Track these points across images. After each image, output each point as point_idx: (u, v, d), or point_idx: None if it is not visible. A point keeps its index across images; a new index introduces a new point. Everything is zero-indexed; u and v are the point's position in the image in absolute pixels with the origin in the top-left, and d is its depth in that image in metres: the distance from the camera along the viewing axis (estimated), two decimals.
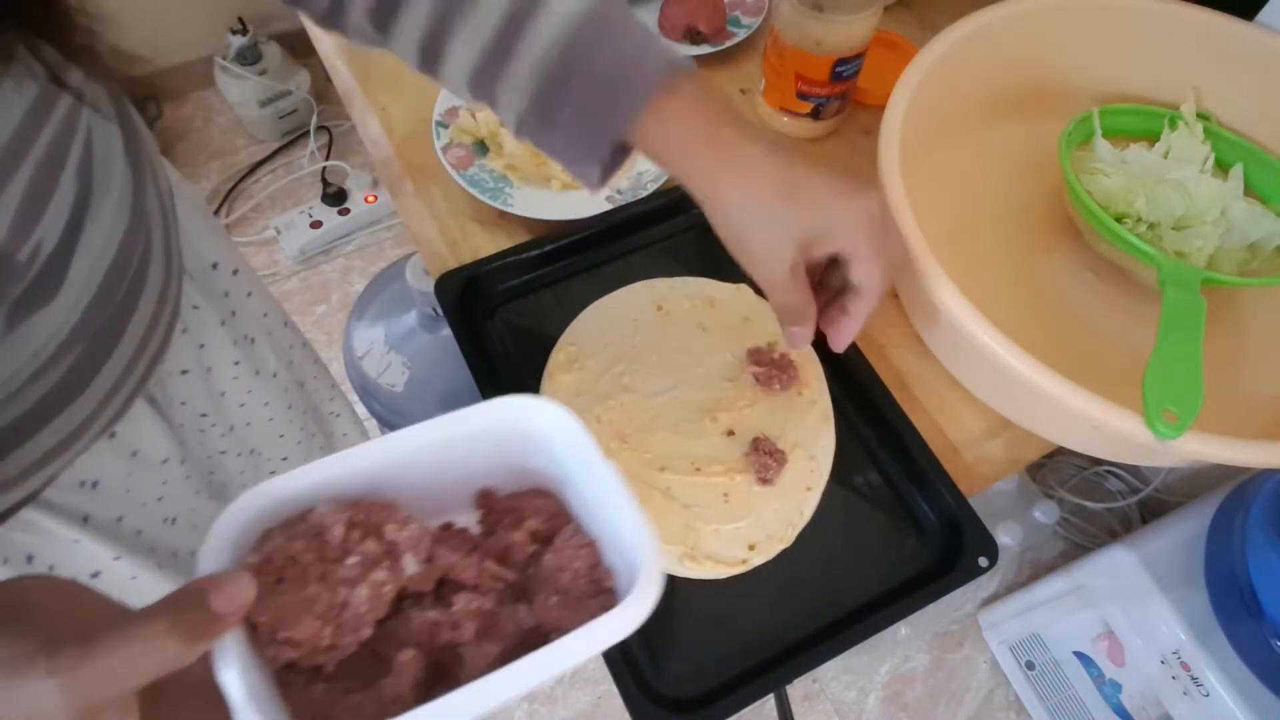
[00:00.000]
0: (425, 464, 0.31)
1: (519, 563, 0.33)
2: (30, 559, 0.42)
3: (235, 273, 0.57)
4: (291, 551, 0.28)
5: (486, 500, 0.34)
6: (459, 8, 0.38)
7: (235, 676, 0.25)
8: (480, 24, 0.38)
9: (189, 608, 0.24)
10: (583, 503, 0.33)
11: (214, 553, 0.27)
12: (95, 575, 0.46)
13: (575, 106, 0.38)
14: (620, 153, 0.40)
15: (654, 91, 0.37)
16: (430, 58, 0.40)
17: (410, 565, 0.29)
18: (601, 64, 0.37)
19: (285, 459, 0.66)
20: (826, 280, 0.45)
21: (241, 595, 0.25)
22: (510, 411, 0.31)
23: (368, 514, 0.29)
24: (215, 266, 0.55)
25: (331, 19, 0.41)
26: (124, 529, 0.48)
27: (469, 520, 0.34)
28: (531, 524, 0.33)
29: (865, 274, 0.41)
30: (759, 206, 0.38)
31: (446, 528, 0.33)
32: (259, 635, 0.27)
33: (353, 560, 0.28)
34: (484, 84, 0.39)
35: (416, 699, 0.28)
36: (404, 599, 0.30)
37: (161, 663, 0.22)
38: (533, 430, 0.32)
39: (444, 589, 0.31)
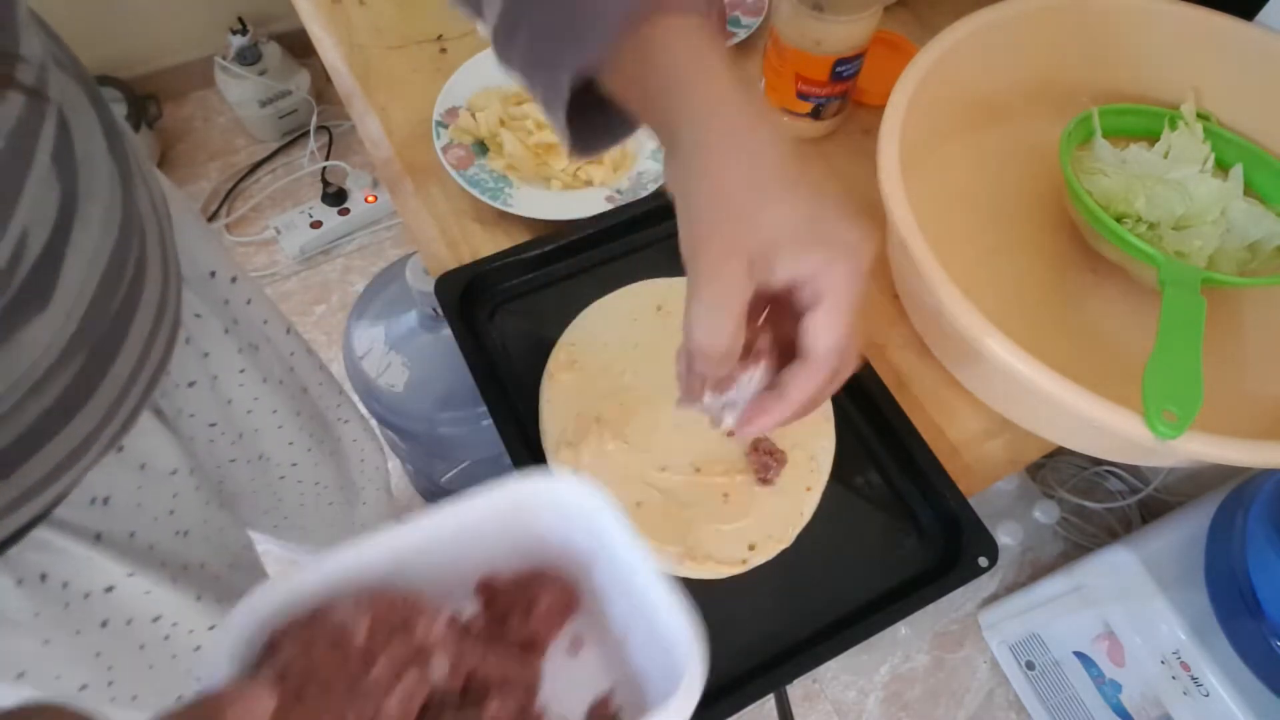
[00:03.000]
0: (437, 551, 0.28)
1: (538, 657, 0.30)
2: (44, 577, 0.42)
3: (234, 280, 0.57)
4: (312, 660, 0.25)
5: (489, 588, 0.31)
6: None
7: None
8: None
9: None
10: (608, 585, 0.30)
11: (222, 659, 0.24)
12: (109, 590, 0.46)
13: (533, 29, 0.33)
14: (598, 107, 0.34)
15: (617, 26, 0.30)
16: None
17: (440, 666, 0.26)
18: None
19: (294, 464, 0.66)
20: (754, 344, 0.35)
21: (260, 709, 0.23)
22: (537, 491, 0.28)
23: (390, 610, 0.26)
24: (213, 274, 0.55)
25: None
26: (136, 544, 0.47)
27: (471, 609, 0.31)
28: (545, 606, 0.30)
29: (825, 327, 0.31)
30: (756, 172, 0.30)
31: (454, 619, 0.30)
32: None
33: (381, 666, 0.25)
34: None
35: None
36: (427, 704, 0.27)
37: None
38: (559, 509, 0.29)
39: (468, 690, 0.28)
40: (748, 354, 0.33)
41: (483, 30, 0.37)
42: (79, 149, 0.35)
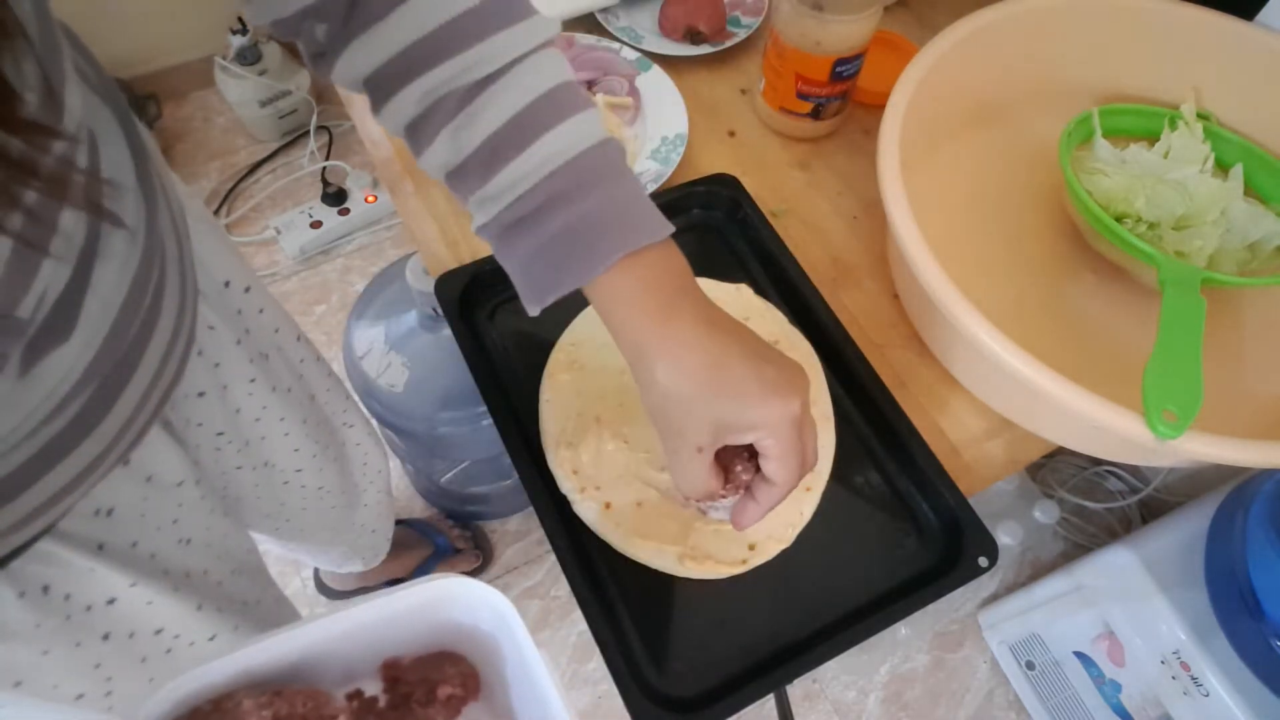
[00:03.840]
0: (345, 642, 0.30)
1: None
2: (46, 590, 0.42)
3: (247, 290, 0.57)
4: None
5: (393, 670, 0.32)
6: (449, 114, 0.37)
7: None
8: (464, 136, 0.37)
9: None
10: (507, 677, 0.32)
11: None
12: (111, 602, 0.46)
13: (531, 250, 0.38)
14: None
15: (606, 268, 0.37)
16: (413, 143, 0.40)
17: None
18: (566, 222, 0.37)
19: (299, 470, 0.66)
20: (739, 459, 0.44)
21: None
22: (444, 591, 0.30)
23: (292, 705, 0.27)
24: (228, 285, 0.54)
25: (318, 65, 0.40)
26: (139, 554, 0.47)
27: (373, 688, 0.32)
28: (445, 691, 0.31)
29: (775, 471, 0.40)
30: (683, 387, 0.38)
31: (355, 695, 0.32)
32: None
33: None
34: (456, 187, 0.40)
35: None
36: None
37: None
38: (460, 607, 0.31)
39: None
40: (730, 478, 0.43)
41: (421, 163, 0.41)
42: (106, 182, 0.34)
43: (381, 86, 0.38)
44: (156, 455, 0.47)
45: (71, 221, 0.31)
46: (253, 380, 0.56)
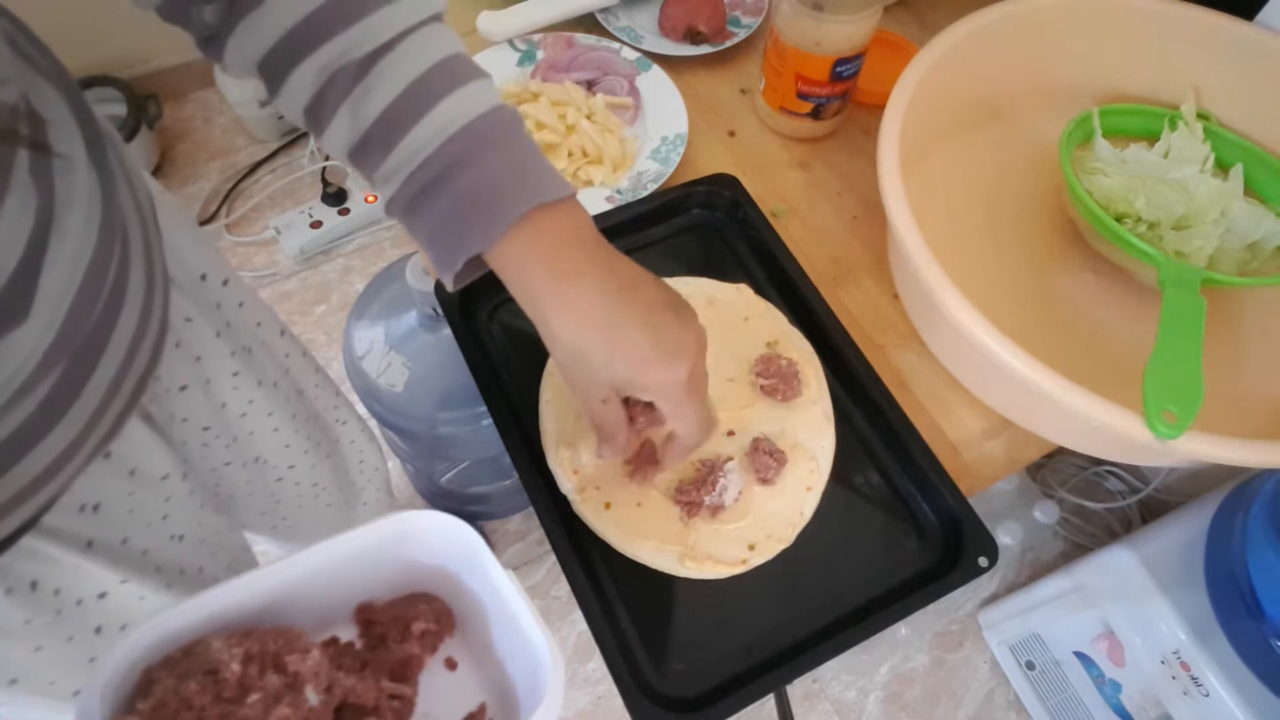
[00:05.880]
0: (315, 583, 0.30)
1: (414, 676, 0.32)
2: (34, 585, 0.42)
3: (225, 283, 0.56)
4: (185, 694, 0.26)
5: (366, 613, 0.33)
6: (346, 88, 0.38)
7: None
8: (363, 110, 0.38)
9: None
10: (480, 606, 0.33)
11: (94, 701, 0.25)
12: (102, 596, 0.46)
13: (438, 216, 0.39)
14: (478, 264, 0.41)
15: (512, 222, 0.38)
16: (312, 124, 0.40)
17: (312, 697, 0.28)
18: (469, 183, 0.38)
19: (292, 467, 0.66)
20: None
21: None
22: (405, 526, 0.31)
23: (264, 644, 0.28)
24: (204, 278, 0.54)
25: (209, 49, 0.40)
26: (130, 550, 0.47)
27: (350, 634, 0.33)
28: (419, 627, 0.32)
29: (675, 428, 0.43)
30: (580, 348, 0.39)
31: (330, 643, 0.32)
32: None
33: (254, 698, 0.26)
34: (359, 164, 0.40)
35: None
36: None
37: None
38: (425, 542, 0.31)
39: (343, 714, 0.30)
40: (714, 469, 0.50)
41: (318, 143, 0.40)
42: (57, 159, 0.34)
43: (275, 68, 0.38)
44: (138, 448, 0.47)
45: (17, 202, 0.31)
46: (236, 374, 0.56)
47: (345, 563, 0.31)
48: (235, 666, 0.27)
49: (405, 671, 0.32)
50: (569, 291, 0.39)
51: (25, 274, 0.32)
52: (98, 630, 0.46)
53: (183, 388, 0.51)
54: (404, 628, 0.32)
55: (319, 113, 0.39)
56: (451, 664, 0.34)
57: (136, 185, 0.43)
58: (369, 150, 0.39)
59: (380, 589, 0.33)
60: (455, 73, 0.38)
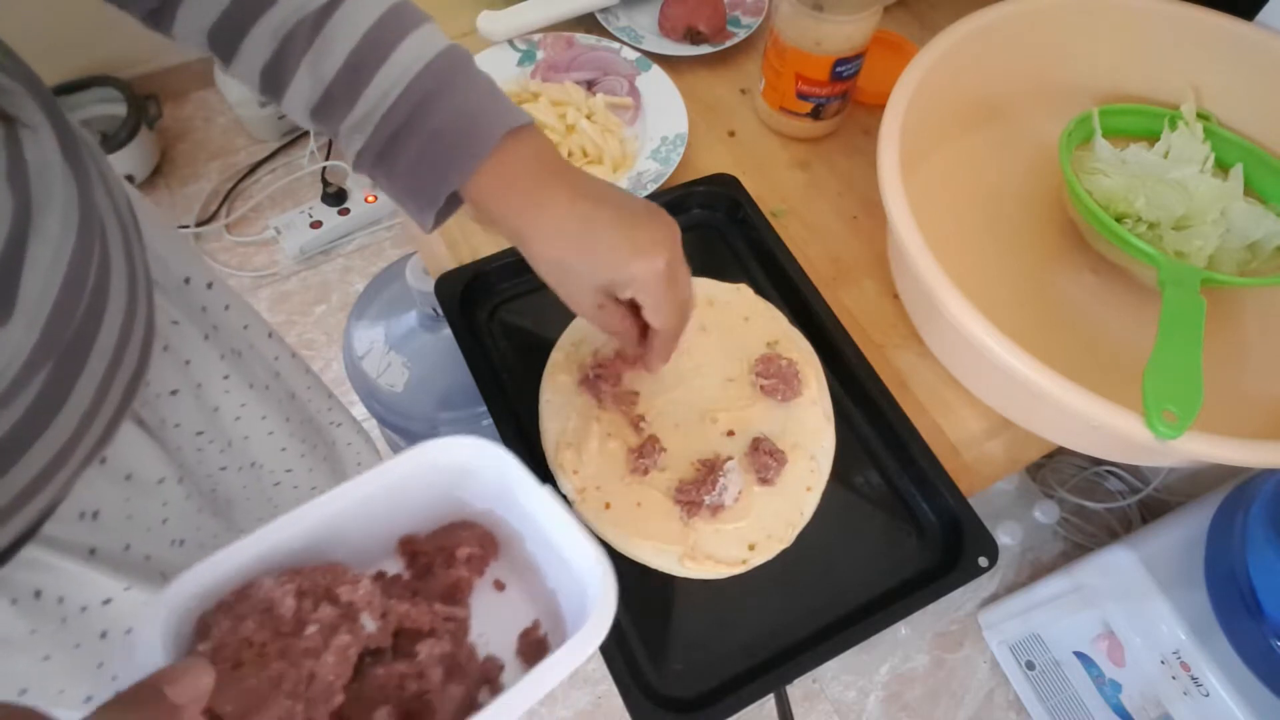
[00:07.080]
0: (355, 519, 0.31)
1: (465, 599, 0.33)
2: (38, 594, 0.42)
3: (209, 286, 0.56)
4: (243, 633, 0.26)
5: (410, 545, 0.34)
6: (304, 43, 0.38)
7: None
8: (324, 62, 0.38)
9: (146, 701, 0.23)
10: (521, 529, 0.33)
11: (152, 646, 0.25)
12: (107, 602, 0.46)
13: (413, 156, 0.40)
14: (454, 201, 0.42)
15: (489, 151, 0.39)
16: (272, 85, 0.40)
17: (369, 623, 0.29)
18: (441, 119, 0.39)
19: (289, 470, 0.66)
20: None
21: (200, 684, 0.24)
22: (439, 453, 0.31)
23: (314, 579, 0.29)
24: (188, 281, 0.54)
25: (155, 22, 0.41)
26: (132, 556, 0.47)
27: (395, 567, 0.34)
28: (464, 552, 0.33)
29: (655, 318, 0.44)
30: (561, 260, 0.41)
31: (379, 577, 0.33)
32: None
33: (312, 629, 0.27)
34: (324, 119, 0.41)
35: None
36: (363, 658, 0.30)
37: None
38: (460, 469, 0.32)
39: (400, 639, 0.31)
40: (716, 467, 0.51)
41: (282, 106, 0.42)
42: (31, 161, 0.34)
43: (227, 34, 0.39)
44: (132, 452, 0.47)
45: None
46: (226, 377, 0.56)
47: (383, 495, 0.31)
48: (290, 601, 0.27)
49: (456, 595, 0.33)
50: (544, 212, 0.40)
51: (6, 274, 0.32)
52: (103, 635, 0.46)
53: (173, 392, 0.51)
54: (449, 555, 0.33)
55: (279, 73, 0.39)
56: (500, 585, 0.35)
57: (114, 189, 0.43)
58: (334, 103, 0.39)
59: (420, 521, 0.34)
60: (404, 17, 0.40)
